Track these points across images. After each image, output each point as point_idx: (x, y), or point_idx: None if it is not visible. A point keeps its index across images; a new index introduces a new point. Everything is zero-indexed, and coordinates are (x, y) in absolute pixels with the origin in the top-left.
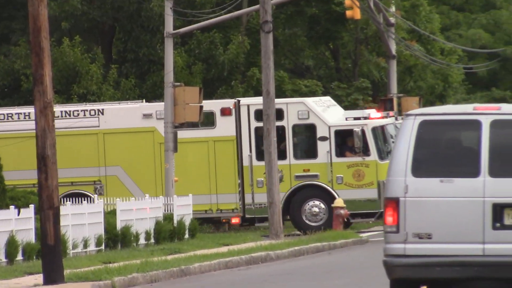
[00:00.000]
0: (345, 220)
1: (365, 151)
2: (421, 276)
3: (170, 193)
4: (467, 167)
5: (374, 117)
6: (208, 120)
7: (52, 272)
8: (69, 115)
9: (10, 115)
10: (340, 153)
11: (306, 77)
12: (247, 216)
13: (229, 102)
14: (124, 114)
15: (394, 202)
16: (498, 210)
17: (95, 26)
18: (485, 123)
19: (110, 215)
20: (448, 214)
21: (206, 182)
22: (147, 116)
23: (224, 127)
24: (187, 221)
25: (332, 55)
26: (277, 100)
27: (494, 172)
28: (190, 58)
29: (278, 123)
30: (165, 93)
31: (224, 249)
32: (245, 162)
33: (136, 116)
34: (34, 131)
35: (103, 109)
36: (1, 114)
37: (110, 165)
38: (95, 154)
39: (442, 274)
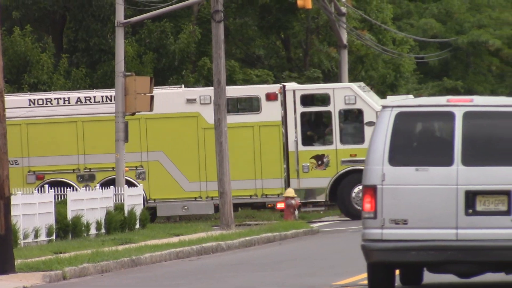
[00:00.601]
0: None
1: None
2: (398, 260)
3: (120, 183)
4: (441, 156)
5: None
6: (253, 105)
7: (3, 262)
8: (111, 100)
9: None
10: None
11: (257, 66)
12: None
13: (274, 87)
14: (167, 99)
15: (372, 190)
16: (471, 197)
17: (46, 15)
18: (458, 114)
19: (61, 205)
20: (423, 200)
21: (251, 167)
22: (190, 101)
23: (270, 112)
24: (138, 211)
25: (283, 44)
26: (323, 85)
27: (467, 161)
28: (141, 48)
29: (325, 108)
30: (116, 82)
31: (175, 239)
32: (291, 147)
33: (179, 101)
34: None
35: None
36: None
37: (152, 150)
38: (137, 139)
39: (417, 258)
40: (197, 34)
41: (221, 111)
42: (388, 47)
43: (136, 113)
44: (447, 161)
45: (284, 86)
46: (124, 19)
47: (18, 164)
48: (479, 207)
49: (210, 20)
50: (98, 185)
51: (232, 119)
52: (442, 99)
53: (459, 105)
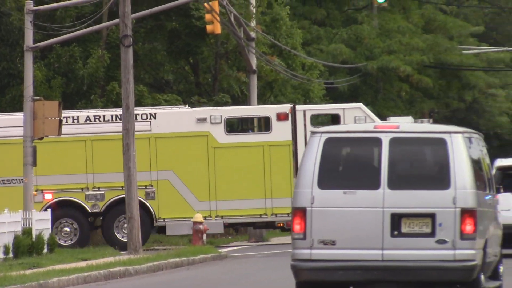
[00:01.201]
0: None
1: None
2: (326, 279)
3: (29, 208)
4: (368, 180)
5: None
6: (264, 125)
7: None
8: (120, 119)
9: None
10: None
11: (166, 91)
12: None
13: (285, 107)
14: (177, 118)
15: (302, 212)
16: (396, 219)
17: None
18: (385, 140)
19: None
20: (350, 222)
21: (261, 186)
22: (201, 120)
23: (280, 132)
24: (46, 236)
25: (192, 69)
26: (333, 105)
27: (393, 184)
28: (50, 72)
29: None
30: (24, 107)
31: (82, 264)
32: None
33: (190, 120)
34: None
35: (155, 113)
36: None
37: (162, 170)
38: (147, 158)
39: (344, 277)
40: (106, 58)
41: (129, 135)
42: (297, 72)
43: (45, 137)
44: (374, 185)
45: (294, 107)
46: (33, 43)
47: None
48: (404, 229)
49: (119, 45)
50: (6, 209)
51: (243, 138)
52: (369, 126)
53: (386, 131)
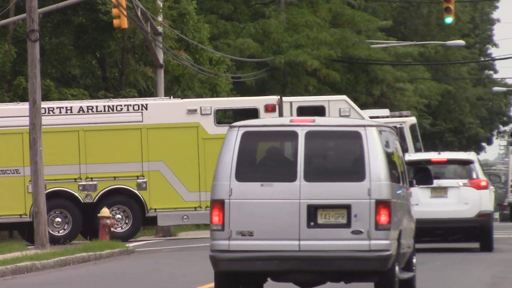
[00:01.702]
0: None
1: (403, 148)
2: (244, 269)
3: None
4: (285, 172)
5: (407, 115)
6: (252, 116)
7: None
8: (112, 110)
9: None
10: None
11: (73, 86)
12: None
13: (273, 99)
14: (168, 109)
15: (220, 204)
16: (312, 211)
17: None
18: (301, 133)
19: None
20: (268, 214)
21: None
22: (191, 111)
23: None
24: None
25: (99, 64)
26: (318, 98)
27: (309, 177)
28: None
29: None
30: None
31: None
32: None
33: (180, 111)
34: None
35: (146, 104)
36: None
37: (153, 160)
38: (138, 149)
39: (262, 267)
40: (13, 53)
41: (36, 130)
42: (204, 66)
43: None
44: (291, 177)
45: (281, 98)
46: None
47: (19, 173)
48: (320, 220)
49: (26, 40)
50: None
51: None
52: (285, 120)
53: (302, 125)
